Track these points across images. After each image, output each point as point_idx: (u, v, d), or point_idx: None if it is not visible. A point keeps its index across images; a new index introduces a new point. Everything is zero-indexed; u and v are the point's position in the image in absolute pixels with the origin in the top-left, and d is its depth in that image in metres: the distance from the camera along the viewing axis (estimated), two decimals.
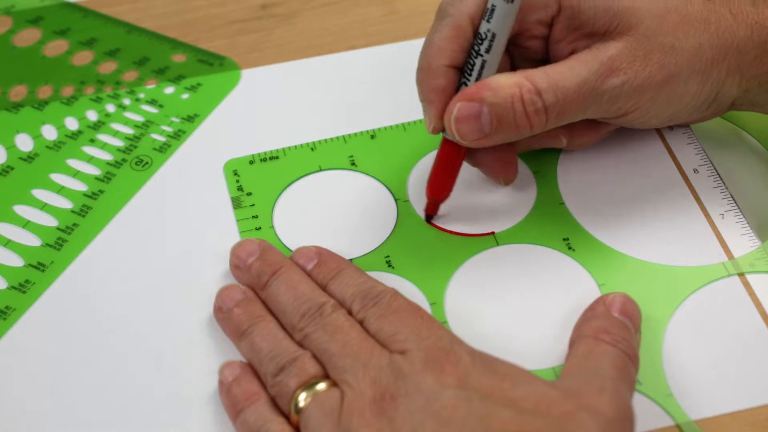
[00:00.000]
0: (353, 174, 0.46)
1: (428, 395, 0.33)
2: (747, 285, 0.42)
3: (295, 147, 0.47)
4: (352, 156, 0.47)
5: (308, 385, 0.36)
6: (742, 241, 0.43)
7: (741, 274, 0.42)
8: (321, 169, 0.47)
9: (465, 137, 0.40)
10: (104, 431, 0.38)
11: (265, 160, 0.47)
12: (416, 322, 0.37)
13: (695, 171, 0.46)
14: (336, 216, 0.45)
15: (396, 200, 0.45)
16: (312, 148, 0.47)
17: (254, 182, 0.46)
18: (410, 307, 0.38)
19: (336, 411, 0.34)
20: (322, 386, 0.35)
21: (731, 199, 0.45)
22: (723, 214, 0.44)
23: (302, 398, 0.35)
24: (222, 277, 0.43)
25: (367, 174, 0.46)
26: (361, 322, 0.38)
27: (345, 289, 0.39)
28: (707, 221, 0.44)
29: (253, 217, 0.45)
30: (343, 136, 0.48)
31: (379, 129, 0.48)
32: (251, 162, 0.47)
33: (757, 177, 0.46)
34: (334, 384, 0.36)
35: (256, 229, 0.44)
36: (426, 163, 0.47)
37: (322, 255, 0.41)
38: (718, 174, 0.46)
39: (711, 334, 0.40)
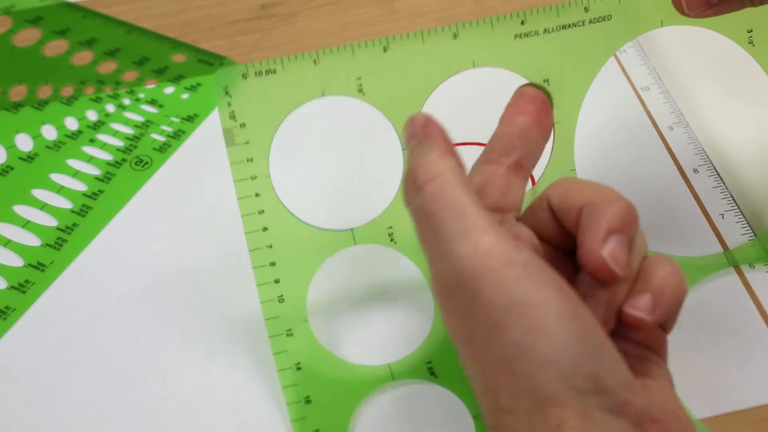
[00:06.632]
0: (359, 102, 0.40)
1: None
2: (747, 284, 0.42)
3: (295, 57, 0.40)
4: (359, 78, 0.40)
5: None
6: (742, 240, 0.43)
7: (741, 274, 0.42)
8: (324, 95, 0.40)
9: (692, 9, 0.39)
10: (104, 431, 0.38)
11: (260, 74, 0.39)
12: None
13: (695, 171, 0.46)
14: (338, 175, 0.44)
15: (403, 151, 0.40)
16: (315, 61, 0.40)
17: (249, 108, 0.39)
18: None
19: None
20: None
21: (731, 199, 0.45)
22: (723, 214, 0.44)
23: None
24: (222, 278, 0.43)
25: (375, 107, 0.40)
26: None
27: None
28: (707, 221, 0.44)
29: (248, 160, 0.39)
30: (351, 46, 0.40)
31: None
32: (244, 76, 0.39)
33: (757, 177, 0.46)
34: None
35: (252, 178, 0.40)
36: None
37: None
38: (718, 174, 0.46)
39: (710, 334, 0.40)
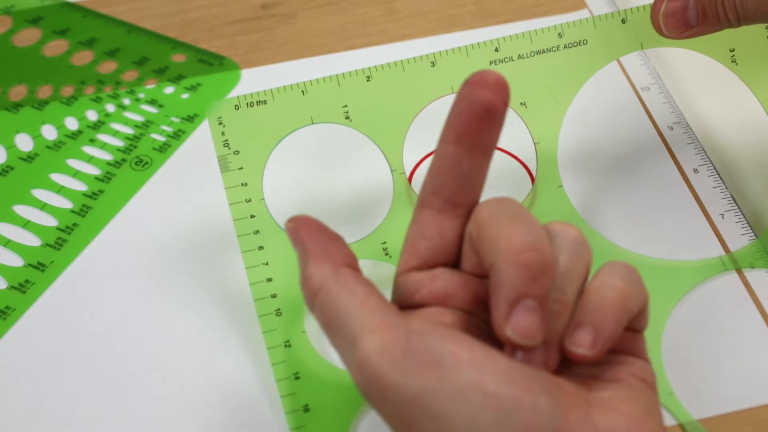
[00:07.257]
0: (348, 130, 0.43)
1: None
2: (747, 284, 0.42)
3: (284, 88, 0.42)
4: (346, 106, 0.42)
5: None
6: (742, 240, 0.43)
7: (741, 275, 0.42)
8: (313, 122, 0.42)
9: (671, 30, 0.40)
10: (104, 431, 0.38)
11: (252, 105, 0.41)
12: None
13: (695, 171, 0.46)
14: (333, 193, 0.44)
15: (392, 171, 0.42)
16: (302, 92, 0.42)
17: (242, 136, 0.41)
18: None
19: None
20: None
21: (731, 199, 0.45)
22: (723, 214, 0.44)
23: None
24: (222, 277, 0.43)
25: (362, 132, 0.42)
26: None
27: None
28: (707, 221, 0.44)
29: (242, 185, 0.41)
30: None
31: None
32: (237, 107, 0.41)
33: (757, 177, 0.46)
34: None
35: (246, 201, 0.41)
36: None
37: None
38: (718, 174, 0.46)
39: (711, 334, 0.40)
